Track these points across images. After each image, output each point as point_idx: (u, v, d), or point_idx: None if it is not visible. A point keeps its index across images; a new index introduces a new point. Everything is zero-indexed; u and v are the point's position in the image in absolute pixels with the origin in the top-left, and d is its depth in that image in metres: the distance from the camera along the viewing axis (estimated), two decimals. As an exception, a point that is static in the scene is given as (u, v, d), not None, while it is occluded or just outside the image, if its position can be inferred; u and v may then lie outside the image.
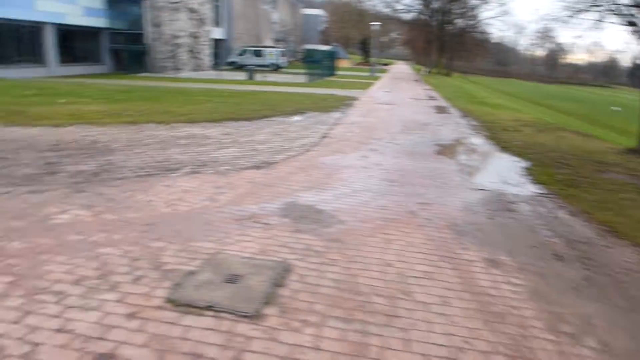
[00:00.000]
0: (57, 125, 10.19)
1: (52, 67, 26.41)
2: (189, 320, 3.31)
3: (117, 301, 3.48)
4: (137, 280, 3.81)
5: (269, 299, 3.64)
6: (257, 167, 7.66)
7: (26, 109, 12.13)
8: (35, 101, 14.15)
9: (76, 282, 3.71)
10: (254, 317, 3.39)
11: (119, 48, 31.77)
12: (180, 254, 4.35)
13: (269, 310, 3.50)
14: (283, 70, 42.58)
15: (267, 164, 7.90)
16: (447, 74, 61.29)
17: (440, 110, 18.34)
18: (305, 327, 3.34)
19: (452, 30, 62.04)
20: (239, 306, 3.48)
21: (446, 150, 10.35)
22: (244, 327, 3.27)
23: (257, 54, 43.07)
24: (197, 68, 35.25)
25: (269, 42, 53.34)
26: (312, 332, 3.28)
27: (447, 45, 61.94)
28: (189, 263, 4.16)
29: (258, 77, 29.69)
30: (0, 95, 15.12)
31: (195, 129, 10.80)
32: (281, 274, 4.06)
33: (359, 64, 70.91)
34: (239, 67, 40.35)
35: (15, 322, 3.16)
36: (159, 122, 11.24)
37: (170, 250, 4.40)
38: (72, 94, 16.60)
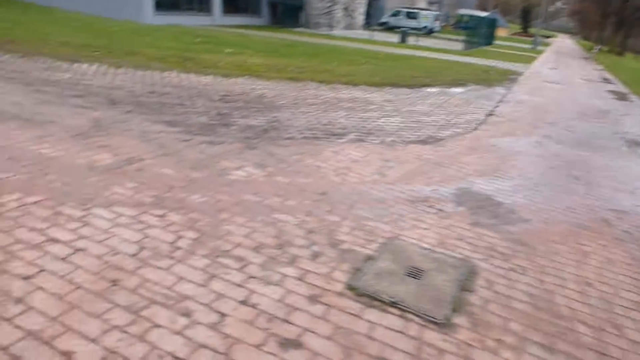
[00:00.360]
0: (225, 76, 10.52)
1: (217, 17, 27.75)
2: (373, 315, 3.03)
3: (298, 279, 3.31)
4: (315, 257, 3.61)
5: (457, 306, 3.24)
6: (424, 142, 7.18)
7: (196, 56, 12.73)
8: (204, 49, 14.85)
9: (256, 249, 3.61)
10: (444, 325, 3.02)
11: (277, 2, 32.43)
12: (355, 232, 4.09)
13: (459, 320, 3.10)
14: (436, 35, 40.74)
15: (435, 140, 7.37)
16: (620, 53, 54.28)
17: (620, 96, 16.14)
18: (502, 349, 2.90)
19: (637, 3, 54.19)
20: (427, 308, 3.13)
21: (635, 146, 8.97)
22: (433, 336, 2.92)
23: (411, 16, 41.51)
24: (349, 27, 34.94)
25: (422, 5, 51.15)
26: (511, 357, 2.84)
27: (627, 20, 54.39)
28: (366, 245, 3.89)
29: (410, 40, 28.59)
30: (175, 41, 16.14)
31: (357, 92, 10.52)
32: (466, 275, 3.63)
33: (515, 34, 65.78)
34: (390, 28, 39.26)
35: (202, 285, 3.10)
36: (321, 81, 11.13)
37: (345, 227, 4.16)
38: (237, 44, 17.22)
